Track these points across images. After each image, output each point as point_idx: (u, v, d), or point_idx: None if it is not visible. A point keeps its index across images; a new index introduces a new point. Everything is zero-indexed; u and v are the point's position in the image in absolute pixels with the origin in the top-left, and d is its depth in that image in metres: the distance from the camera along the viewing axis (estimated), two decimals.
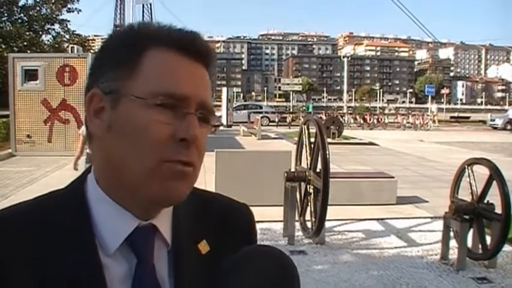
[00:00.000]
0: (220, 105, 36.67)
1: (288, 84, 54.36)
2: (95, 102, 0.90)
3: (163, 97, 0.84)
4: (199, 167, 0.90)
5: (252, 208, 1.11)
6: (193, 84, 0.88)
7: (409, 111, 52.25)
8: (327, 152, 6.36)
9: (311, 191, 6.89)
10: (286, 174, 7.07)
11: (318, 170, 6.66)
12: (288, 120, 37.28)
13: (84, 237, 0.87)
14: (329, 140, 6.92)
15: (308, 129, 7.49)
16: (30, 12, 27.69)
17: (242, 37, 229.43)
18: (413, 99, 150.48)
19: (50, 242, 0.86)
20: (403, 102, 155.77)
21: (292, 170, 7.40)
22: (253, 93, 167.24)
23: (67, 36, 29.24)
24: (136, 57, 0.87)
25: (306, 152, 7.28)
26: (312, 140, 7.14)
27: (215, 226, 1.01)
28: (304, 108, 55.91)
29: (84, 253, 0.86)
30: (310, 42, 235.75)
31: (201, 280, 0.93)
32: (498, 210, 5.85)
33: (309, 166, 6.99)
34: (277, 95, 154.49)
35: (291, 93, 58.74)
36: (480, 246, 6.10)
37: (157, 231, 0.91)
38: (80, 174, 0.96)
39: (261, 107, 43.86)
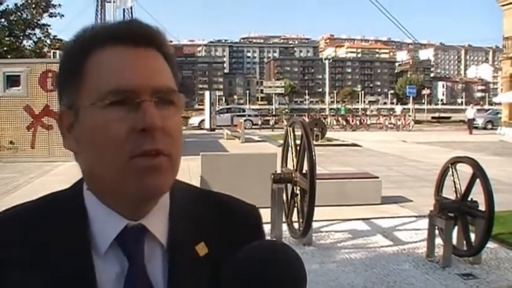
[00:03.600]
0: (203, 109, 36.67)
1: (270, 87, 54.43)
2: (64, 120, 0.91)
3: (111, 95, 0.84)
4: (177, 153, 0.89)
5: None
6: (139, 72, 0.86)
7: (391, 112, 52.63)
8: (313, 153, 6.42)
9: (298, 192, 6.93)
10: (273, 176, 7.11)
11: (304, 171, 6.72)
12: (271, 123, 37.35)
13: (80, 238, 0.89)
14: (313, 141, 6.98)
15: (294, 131, 7.54)
16: (11, 17, 27.42)
17: (223, 40, 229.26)
18: (395, 100, 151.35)
19: (49, 240, 0.88)
20: (385, 103, 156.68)
21: (279, 171, 7.45)
22: (235, 97, 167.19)
23: (48, 41, 29.02)
24: (82, 65, 0.88)
25: (292, 153, 7.33)
26: (298, 142, 7.19)
27: (219, 228, 0.98)
28: (286, 110, 56.05)
29: (78, 253, 0.88)
30: (291, 45, 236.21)
31: (196, 282, 0.92)
32: (482, 207, 5.94)
33: (295, 168, 7.03)
34: (260, 98, 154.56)
35: (273, 96, 58.87)
36: (465, 243, 6.19)
37: (147, 231, 0.91)
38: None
39: (244, 110, 44.01)
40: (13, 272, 0.86)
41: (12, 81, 15.96)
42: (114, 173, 0.85)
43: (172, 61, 0.94)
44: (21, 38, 28.35)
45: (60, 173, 13.16)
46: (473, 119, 35.55)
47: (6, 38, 26.37)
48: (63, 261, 0.86)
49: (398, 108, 50.53)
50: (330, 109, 57.34)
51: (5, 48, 25.85)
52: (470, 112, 35.75)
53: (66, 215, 0.91)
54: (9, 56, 24.18)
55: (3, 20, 27.59)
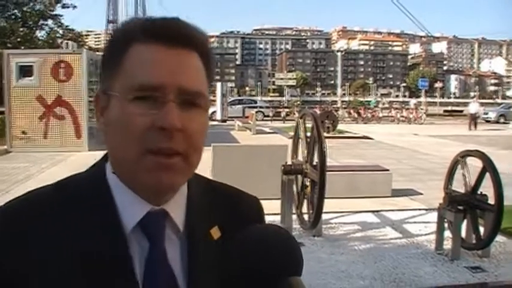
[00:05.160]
0: (214, 100, 36.71)
1: (282, 78, 54.26)
2: (99, 102, 0.96)
3: (137, 90, 0.88)
4: (194, 154, 0.93)
5: None
6: (168, 71, 0.89)
7: (403, 105, 52.33)
8: (324, 145, 6.44)
9: (308, 183, 6.97)
10: (283, 167, 7.14)
11: (314, 163, 6.75)
12: (282, 115, 37.29)
13: (109, 218, 0.92)
14: (324, 134, 7.01)
15: (304, 123, 7.56)
16: (24, 8, 27.59)
17: (236, 32, 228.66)
18: (407, 93, 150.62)
19: (75, 222, 0.91)
20: (397, 96, 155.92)
21: (289, 163, 7.48)
22: (247, 88, 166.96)
23: (60, 32, 29.18)
24: (121, 56, 0.92)
25: (302, 145, 7.36)
26: (308, 134, 7.22)
27: (227, 215, 1.05)
28: (298, 102, 55.86)
29: (110, 233, 0.91)
30: (303, 37, 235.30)
31: (212, 265, 0.96)
32: (491, 201, 5.94)
33: (305, 159, 7.06)
34: (271, 90, 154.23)
35: (285, 87, 58.75)
36: (474, 236, 6.21)
37: (168, 216, 0.95)
38: (98, 160, 1.01)
39: (255, 102, 43.96)
40: (41, 257, 0.88)
41: (25, 71, 16.06)
42: (129, 162, 0.90)
43: (210, 61, 0.97)
44: (34, 28, 28.53)
45: (72, 163, 13.28)
46: (476, 114, 33.04)
47: (20, 29, 26.53)
48: (94, 244, 0.89)
49: (413, 102, 50.23)
50: (367, 101, 57.21)
51: (19, 39, 26.03)
52: (473, 107, 33.12)
53: (94, 197, 0.94)
54: (22, 47, 24.33)
55: (16, 11, 27.77)
